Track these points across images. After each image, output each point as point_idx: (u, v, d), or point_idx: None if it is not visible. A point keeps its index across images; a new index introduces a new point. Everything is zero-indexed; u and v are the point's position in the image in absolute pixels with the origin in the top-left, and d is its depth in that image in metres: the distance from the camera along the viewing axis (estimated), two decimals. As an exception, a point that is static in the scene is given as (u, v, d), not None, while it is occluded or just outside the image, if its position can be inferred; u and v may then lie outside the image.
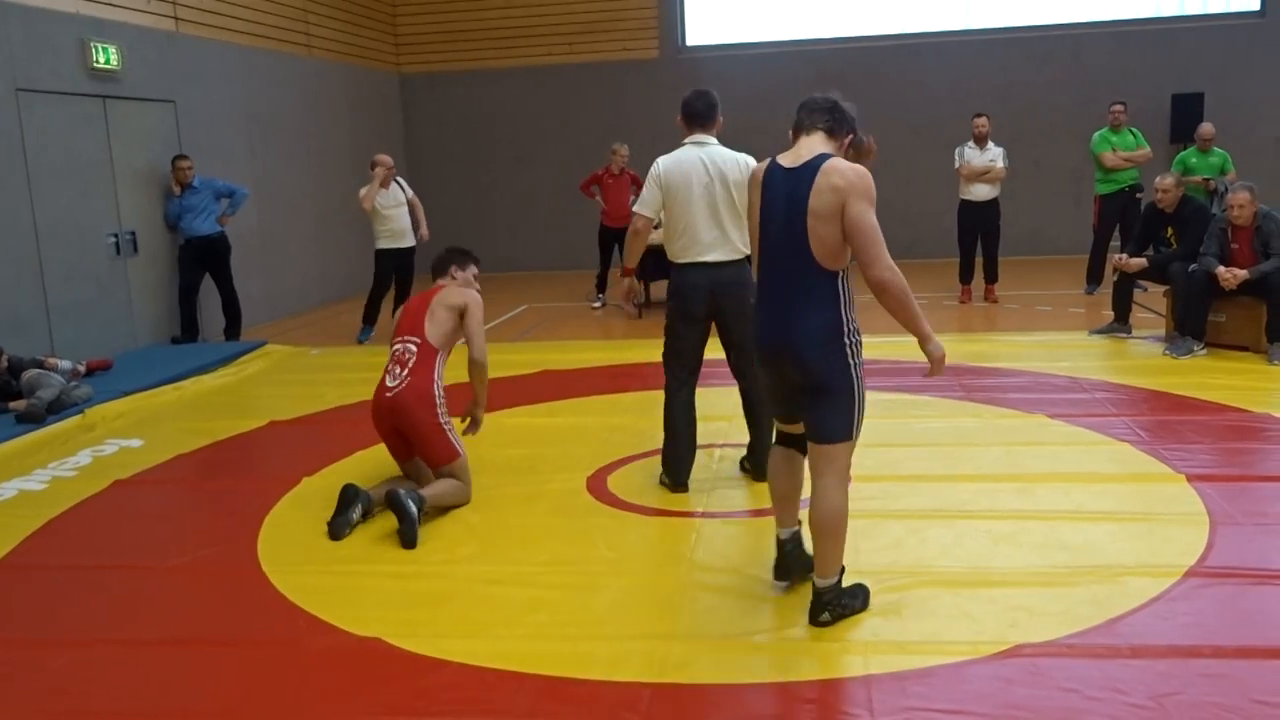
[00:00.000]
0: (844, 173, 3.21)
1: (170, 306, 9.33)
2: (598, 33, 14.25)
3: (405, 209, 9.35)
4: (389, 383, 4.67)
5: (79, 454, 5.91)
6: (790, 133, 3.47)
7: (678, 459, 4.82)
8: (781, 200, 3.30)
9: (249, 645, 3.50)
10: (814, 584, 3.43)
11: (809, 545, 3.54)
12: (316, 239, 12.23)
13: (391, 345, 4.82)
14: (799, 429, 3.50)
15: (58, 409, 6.44)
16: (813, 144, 3.35)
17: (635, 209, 4.79)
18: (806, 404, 3.37)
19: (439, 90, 14.56)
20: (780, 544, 3.64)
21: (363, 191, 9.14)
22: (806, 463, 3.51)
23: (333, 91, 12.74)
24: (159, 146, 9.34)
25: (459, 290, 4.90)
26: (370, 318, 9.59)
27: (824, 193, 3.20)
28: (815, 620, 3.42)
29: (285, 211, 11.52)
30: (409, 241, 9.43)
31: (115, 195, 8.77)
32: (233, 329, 9.46)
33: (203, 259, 9.21)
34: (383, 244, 9.34)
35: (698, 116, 4.67)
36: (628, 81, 14.03)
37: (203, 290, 9.35)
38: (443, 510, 4.61)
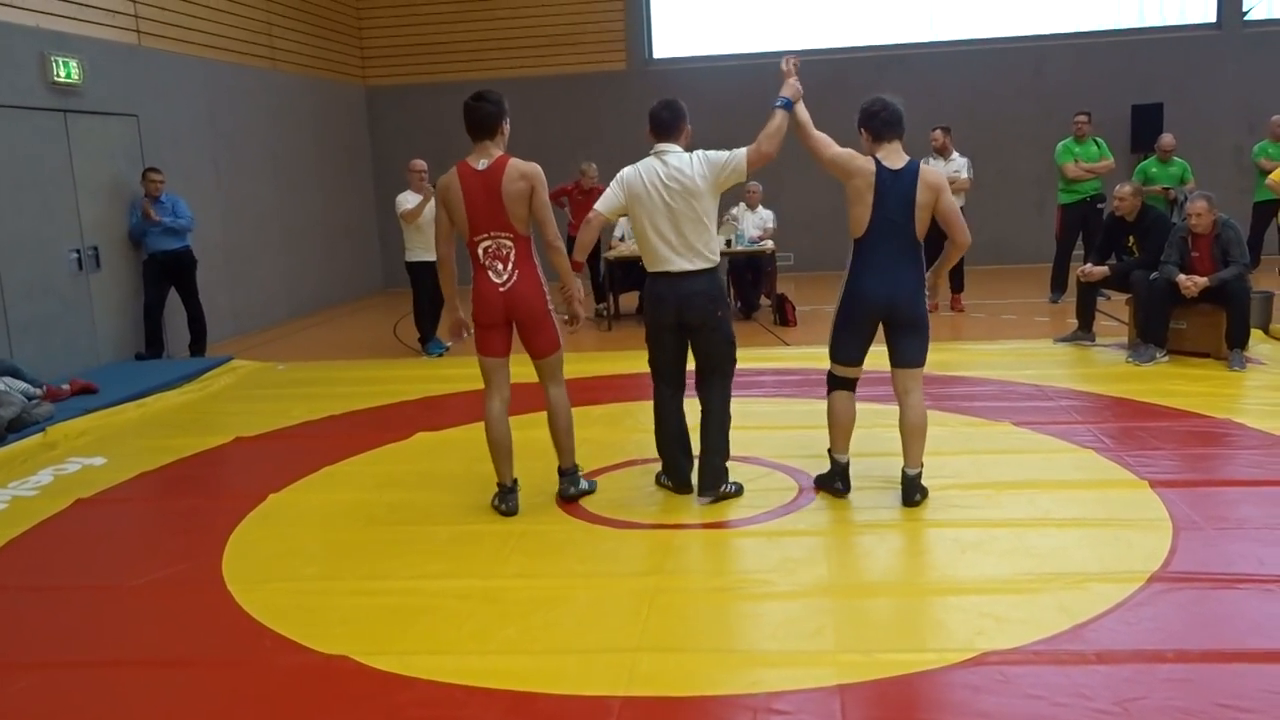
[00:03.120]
0: (936, 175, 4.51)
1: (135, 322, 9.22)
2: (566, 45, 14.27)
3: None
4: (495, 279, 4.63)
5: (40, 473, 5.83)
6: (863, 133, 4.48)
7: (674, 460, 4.88)
8: (891, 194, 4.40)
9: (215, 665, 3.45)
10: (905, 474, 4.63)
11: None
12: (283, 253, 12.13)
13: (476, 241, 4.61)
14: (860, 373, 4.68)
15: (18, 427, 6.35)
16: (899, 151, 4.47)
17: (595, 206, 4.78)
18: (904, 341, 4.55)
19: (406, 103, 14.50)
20: (844, 466, 4.76)
21: (408, 206, 8.74)
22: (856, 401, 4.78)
23: (298, 105, 12.67)
24: (122, 161, 9.24)
25: (519, 170, 4.64)
26: (428, 332, 9.21)
27: (925, 190, 4.42)
28: (911, 501, 4.58)
29: (251, 225, 11.42)
30: None
31: (77, 210, 8.66)
32: (198, 345, 9.36)
33: (168, 274, 9.10)
34: (417, 256, 8.84)
35: (658, 125, 4.68)
36: (596, 93, 14.06)
37: (168, 306, 9.24)
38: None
